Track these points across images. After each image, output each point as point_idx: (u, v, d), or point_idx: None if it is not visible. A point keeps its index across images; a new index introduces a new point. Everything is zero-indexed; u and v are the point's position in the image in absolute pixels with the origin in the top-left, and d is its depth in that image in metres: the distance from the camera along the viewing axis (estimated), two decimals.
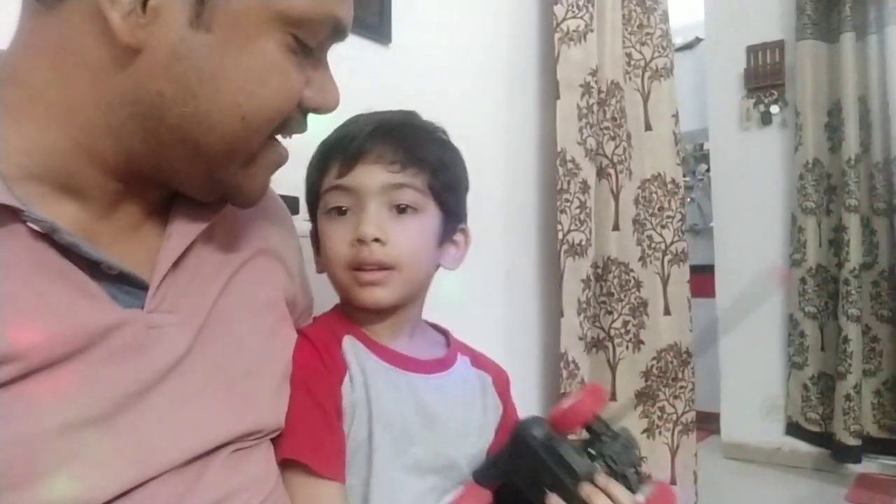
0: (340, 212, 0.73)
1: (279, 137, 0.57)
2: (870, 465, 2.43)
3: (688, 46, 3.09)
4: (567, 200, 1.46)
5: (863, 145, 2.40)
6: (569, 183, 1.46)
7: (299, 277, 0.73)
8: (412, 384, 0.73)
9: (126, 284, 0.51)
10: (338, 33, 0.55)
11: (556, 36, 1.46)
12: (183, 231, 0.56)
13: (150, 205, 0.56)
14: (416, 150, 0.73)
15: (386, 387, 0.71)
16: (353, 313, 0.76)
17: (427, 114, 0.79)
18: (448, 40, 1.32)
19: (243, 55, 0.49)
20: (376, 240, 0.70)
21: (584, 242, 1.49)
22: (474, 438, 0.75)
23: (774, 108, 2.62)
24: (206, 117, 0.49)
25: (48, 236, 0.46)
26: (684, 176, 3.23)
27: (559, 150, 1.45)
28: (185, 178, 0.54)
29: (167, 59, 0.47)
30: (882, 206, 2.38)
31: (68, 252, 0.47)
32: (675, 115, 1.74)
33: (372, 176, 0.71)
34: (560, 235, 1.45)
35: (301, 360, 0.69)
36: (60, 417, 0.44)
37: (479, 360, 0.82)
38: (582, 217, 1.49)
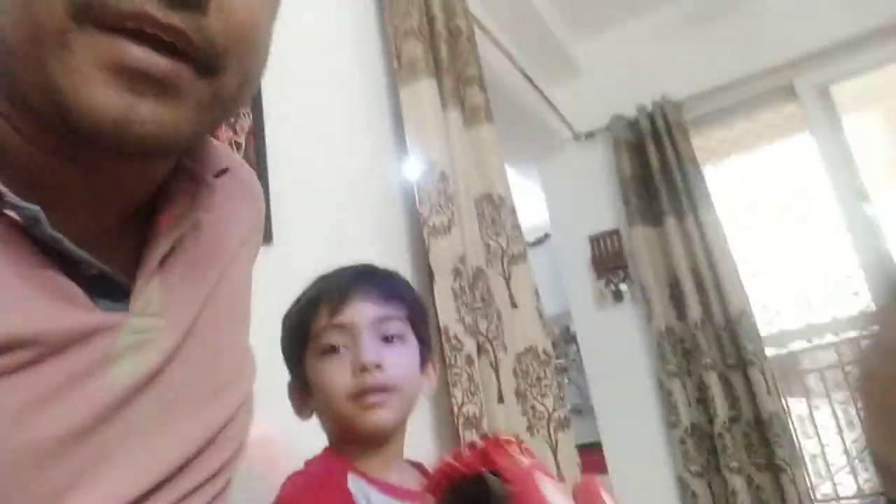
0: (334, 350, 0.80)
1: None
2: None
3: (539, 242, 3.45)
4: (456, 374, 1.54)
5: (704, 310, 2.71)
6: (455, 358, 1.55)
7: None
8: None
9: (108, 291, 0.45)
10: None
11: (425, 230, 1.64)
12: (167, 232, 0.49)
13: (130, 206, 0.49)
14: (396, 287, 0.86)
15: None
16: (347, 450, 0.80)
17: None
18: (327, 238, 1.45)
19: None
20: (377, 366, 0.78)
21: (477, 414, 1.56)
22: None
23: (623, 286, 2.93)
24: None
25: (22, 230, 0.40)
26: (558, 358, 3.44)
27: (442, 327, 1.56)
28: (14, 89, 0.41)
29: None
30: (733, 361, 2.64)
31: (43, 249, 0.42)
32: (536, 293, 1.93)
33: (364, 311, 0.80)
34: (455, 409, 1.52)
35: (310, 495, 0.72)
36: (42, 430, 0.39)
37: None
38: (472, 389, 1.57)
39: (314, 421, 0.88)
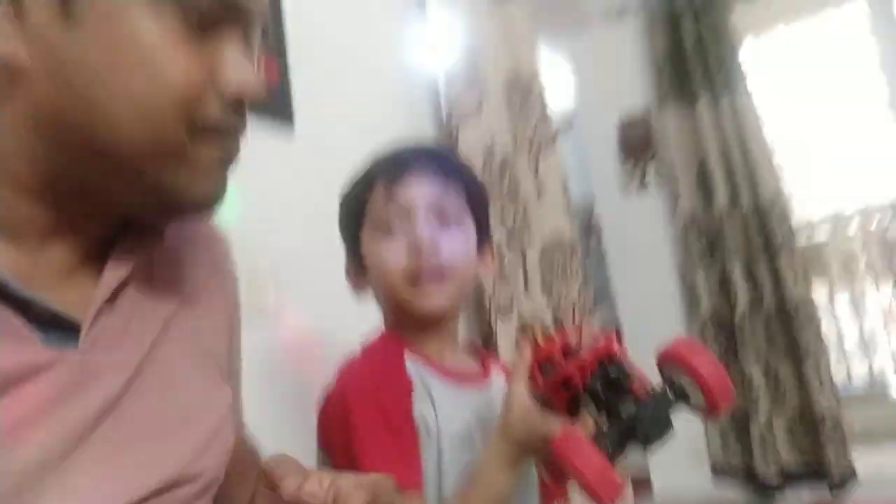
0: (389, 229, 0.77)
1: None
2: (790, 496, 2.52)
3: (566, 128, 3.34)
4: None
5: (732, 196, 2.62)
6: None
7: (236, 331, 0.67)
8: (470, 398, 0.77)
9: (60, 328, 0.47)
10: (228, 7, 0.49)
11: (453, 117, 1.57)
12: (117, 268, 0.52)
13: (88, 246, 0.53)
14: (454, 168, 0.82)
15: (449, 403, 0.74)
16: (404, 330, 0.79)
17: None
18: (349, 124, 1.39)
19: (120, 42, 0.45)
20: (433, 247, 0.75)
21: (508, 303, 1.56)
22: None
23: (650, 172, 2.85)
24: (105, 119, 0.45)
25: None
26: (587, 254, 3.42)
27: None
28: (117, 191, 0.49)
29: (49, 67, 0.45)
30: (759, 248, 2.58)
31: None
32: (565, 181, 1.88)
33: (420, 191, 0.77)
34: (487, 298, 1.51)
35: (368, 376, 0.72)
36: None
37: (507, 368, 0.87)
38: (502, 279, 1.56)
39: (355, 309, 0.86)
